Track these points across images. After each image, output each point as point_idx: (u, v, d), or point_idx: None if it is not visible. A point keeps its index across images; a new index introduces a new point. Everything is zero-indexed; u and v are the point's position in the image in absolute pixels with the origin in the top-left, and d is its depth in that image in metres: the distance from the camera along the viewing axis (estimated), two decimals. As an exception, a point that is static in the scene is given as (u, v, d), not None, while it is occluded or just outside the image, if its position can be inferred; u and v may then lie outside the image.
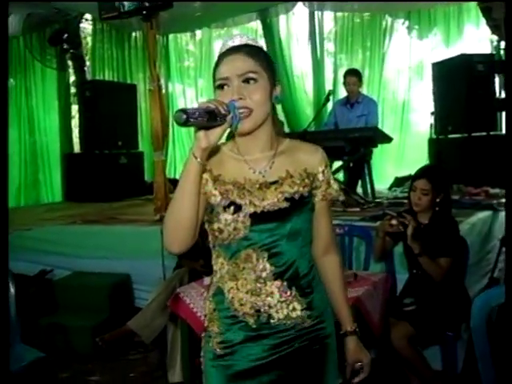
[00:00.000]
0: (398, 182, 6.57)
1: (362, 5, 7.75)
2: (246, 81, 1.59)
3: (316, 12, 8.15)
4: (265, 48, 1.71)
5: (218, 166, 1.65)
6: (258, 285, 1.62)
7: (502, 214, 4.74)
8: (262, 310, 1.63)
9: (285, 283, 1.63)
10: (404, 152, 7.83)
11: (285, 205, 1.62)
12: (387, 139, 5.72)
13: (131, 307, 4.66)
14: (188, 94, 9.36)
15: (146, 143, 8.04)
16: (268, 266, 1.61)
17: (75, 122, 7.91)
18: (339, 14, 8.33)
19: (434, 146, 6.58)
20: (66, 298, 4.63)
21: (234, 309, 1.65)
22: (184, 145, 8.91)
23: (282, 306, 1.63)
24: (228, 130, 1.56)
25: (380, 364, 3.17)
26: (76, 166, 7.23)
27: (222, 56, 1.63)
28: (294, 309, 1.64)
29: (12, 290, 3.06)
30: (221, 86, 1.60)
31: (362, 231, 3.91)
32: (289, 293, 1.64)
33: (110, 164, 7.12)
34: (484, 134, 6.27)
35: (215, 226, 1.63)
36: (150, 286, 4.50)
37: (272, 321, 1.63)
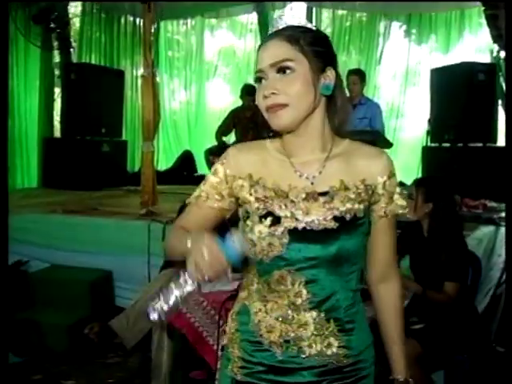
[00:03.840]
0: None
1: (363, 4, 7.63)
2: (282, 71, 1.36)
3: (314, 8, 8.09)
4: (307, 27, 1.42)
5: (260, 168, 1.44)
6: (290, 312, 1.41)
7: (504, 230, 4.66)
8: (291, 341, 1.41)
9: (322, 314, 1.41)
10: (395, 158, 7.66)
11: (332, 225, 1.37)
12: (387, 145, 5.56)
13: (112, 306, 4.52)
14: (175, 85, 9.18)
15: (130, 132, 7.97)
16: (305, 292, 1.39)
17: (57, 106, 7.65)
18: (337, 12, 8.26)
19: (429, 153, 6.48)
20: (42, 293, 4.47)
21: (260, 335, 1.44)
22: (168, 136, 8.82)
23: (316, 340, 1.41)
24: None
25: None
26: (55, 152, 6.95)
27: (261, 44, 1.42)
28: (329, 345, 1.42)
29: None
30: (259, 79, 1.40)
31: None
32: (326, 326, 1.41)
33: (92, 151, 6.87)
34: (480, 145, 6.18)
35: (248, 236, 1.40)
36: (133, 285, 4.41)
37: (302, 355, 1.41)
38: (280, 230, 1.37)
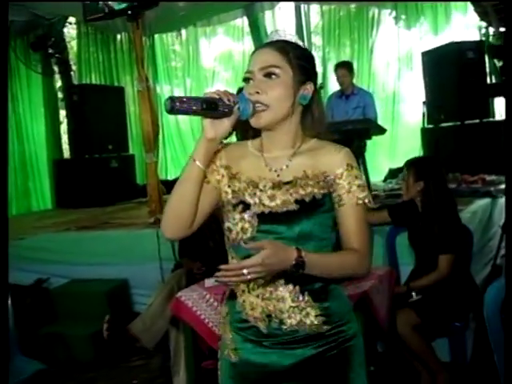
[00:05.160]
0: (392, 173, 6.55)
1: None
2: (268, 75, 1.54)
3: (302, 5, 8.14)
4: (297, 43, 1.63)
5: (238, 163, 1.63)
6: (269, 289, 1.56)
7: (501, 201, 4.78)
8: (273, 315, 1.56)
9: (297, 288, 1.55)
10: (396, 143, 7.85)
11: (294, 207, 1.54)
12: (381, 131, 5.70)
13: (130, 312, 4.61)
14: (176, 95, 9.28)
15: (136, 146, 8.07)
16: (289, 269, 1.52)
17: (63, 128, 7.86)
18: (325, 7, 8.35)
19: (427, 135, 6.58)
20: (64, 307, 4.59)
21: (245, 313, 1.59)
22: (175, 146, 8.92)
23: (295, 311, 1.56)
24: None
25: (388, 358, 3.23)
26: (66, 172, 7.16)
27: (255, 50, 1.63)
28: (307, 315, 1.56)
29: (8, 300, 2.96)
30: (247, 80, 1.58)
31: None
32: (301, 298, 1.56)
33: (101, 168, 7.08)
34: (477, 121, 6.27)
35: (226, 224, 1.61)
36: (148, 290, 4.48)
37: (284, 327, 1.56)
38: (249, 214, 1.56)
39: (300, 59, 1.57)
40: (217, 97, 1.47)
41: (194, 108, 1.45)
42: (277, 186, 1.56)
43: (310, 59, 1.63)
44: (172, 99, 1.43)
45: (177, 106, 1.43)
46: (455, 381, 3.24)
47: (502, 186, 5.16)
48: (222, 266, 1.44)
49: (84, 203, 6.71)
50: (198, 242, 4.03)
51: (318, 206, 1.55)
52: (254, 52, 1.62)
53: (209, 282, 3.04)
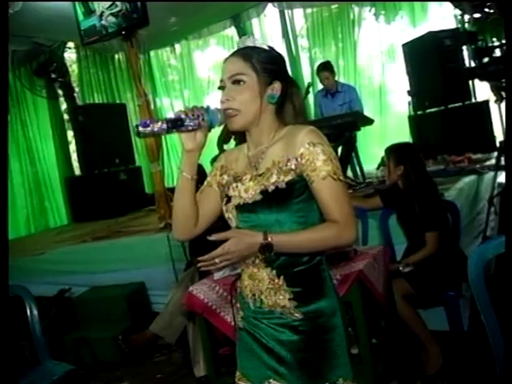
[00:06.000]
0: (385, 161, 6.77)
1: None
2: (236, 82, 1.67)
3: (286, 11, 8.34)
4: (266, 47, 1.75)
5: (233, 163, 1.82)
6: (254, 270, 1.71)
7: (487, 176, 4.99)
8: (256, 294, 1.72)
9: (274, 271, 1.68)
10: (386, 132, 8.01)
11: (257, 198, 1.65)
12: (369, 121, 5.88)
13: (149, 313, 4.82)
14: (176, 107, 9.54)
15: (142, 157, 8.27)
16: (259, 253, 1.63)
17: (72, 147, 8.08)
18: (308, 10, 8.52)
19: (414, 122, 6.79)
20: (87, 313, 4.81)
21: (243, 289, 1.77)
22: (178, 154, 9.10)
23: (271, 293, 1.69)
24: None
25: (389, 331, 3.36)
26: (78, 188, 7.42)
27: (224, 60, 1.74)
28: (281, 297, 1.68)
29: (35, 311, 3.21)
30: (222, 88, 1.72)
31: (357, 210, 4.10)
32: (276, 281, 1.68)
33: (111, 182, 7.31)
34: (460, 104, 6.49)
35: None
36: (164, 290, 4.66)
37: (263, 306, 1.71)
38: (230, 206, 1.73)
39: (264, 62, 1.68)
40: (183, 115, 1.60)
41: (158, 130, 1.55)
42: (253, 178, 1.69)
43: (276, 60, 1.73)
44: (137, 126, 1.54)
45: (141, 130, 1.53)
46: (454, 348, 3.39)
47: (487, 163, 5.43)
48: (199, 258, 1.59)
49: (98, 216, 6.95)
50: (207, 240, 4.32)
51: (283, 196, 1.63)
52: (224, 61, 1.72)
53: (217, 275, 3.17)
